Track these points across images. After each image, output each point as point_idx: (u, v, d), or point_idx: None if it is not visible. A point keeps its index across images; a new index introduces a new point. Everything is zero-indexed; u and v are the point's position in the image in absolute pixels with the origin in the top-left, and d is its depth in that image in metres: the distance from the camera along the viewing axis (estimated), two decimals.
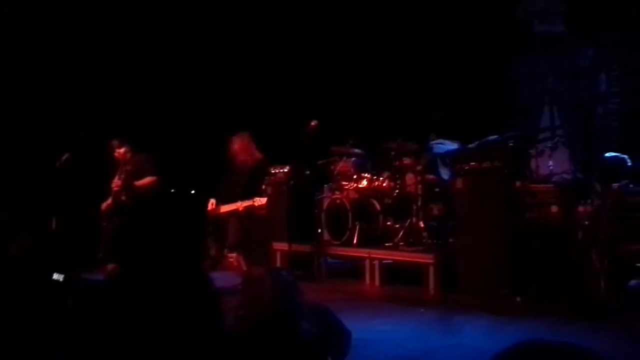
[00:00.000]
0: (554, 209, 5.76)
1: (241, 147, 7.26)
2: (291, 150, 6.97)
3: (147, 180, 6.87)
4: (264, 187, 8.44)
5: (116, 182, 6.88)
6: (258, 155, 7.26)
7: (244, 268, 7.09)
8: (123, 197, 6.82)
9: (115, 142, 6.94)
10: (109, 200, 6.94)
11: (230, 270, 7.24)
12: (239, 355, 2.15)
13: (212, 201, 7.32)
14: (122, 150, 6.90)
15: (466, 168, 6.52)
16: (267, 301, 2.14)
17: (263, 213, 8.32)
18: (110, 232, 6.78)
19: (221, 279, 7.39)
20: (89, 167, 7.34)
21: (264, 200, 6.99)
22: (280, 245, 8.01)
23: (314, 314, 3.00)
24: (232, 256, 7.42)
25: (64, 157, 6.88)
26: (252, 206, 6.93)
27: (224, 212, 7.16)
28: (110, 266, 6.39)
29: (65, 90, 8.48)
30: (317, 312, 3.19)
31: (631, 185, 6.62)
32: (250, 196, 6.93)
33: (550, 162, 7.29)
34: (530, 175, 6.56)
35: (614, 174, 6.71)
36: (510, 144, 6.46)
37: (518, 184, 6.10)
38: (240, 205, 6.98)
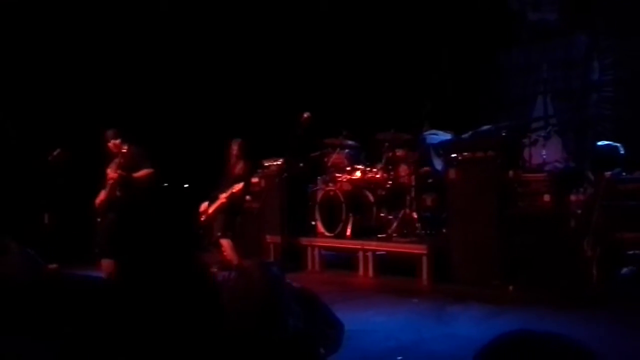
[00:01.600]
0: (546, 198, 5.77)
1: (236, 152, 7.52)
2: (284, 142, 6.96)
3: (144, 172, 6.83)
4: (257, 179, 8.47)
5: (112, 174, 6.80)
6: (244, 167, 7.51)
7: (233, 254, 7.15)
8: (118, 192, 6.76)
9: (110, 133, 6.87)
10: (102, 195, 6.87)
11: (223, 260, 7.26)
12: (226, 349, 2.14)
13: (205, 204, 7.47)
14: (117, 141, 6.85)
15: (459, 158, 6.52)
16: (254, 296, 2.13)
17: (255, 206, 8.37)
18: (105, 228, 6.74)
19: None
20: (81, 162, 7.28)
21: (240, 184, 7.30)
22: (274, 238, 8.01)
23: (305, 307, 2.99)
24: (223, 243, 7.47)
25: (56, 152, 6.82)
26: (233, 193, 7.26)
27: (212, 212, 7.38)
28: (105, 261, 6.37)
29: (57, 85, 8.43)
30: (310, 305, 3.18)
31: (624, 174, 6.63)
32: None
33: (544, 152, 7.30)
34: (524, 165, 6.57)
35: (607, 162, 6.71)
36: (503, 134, 6.46)
37: (511, 173, 6.11)
38: (222, 197, 7.30)
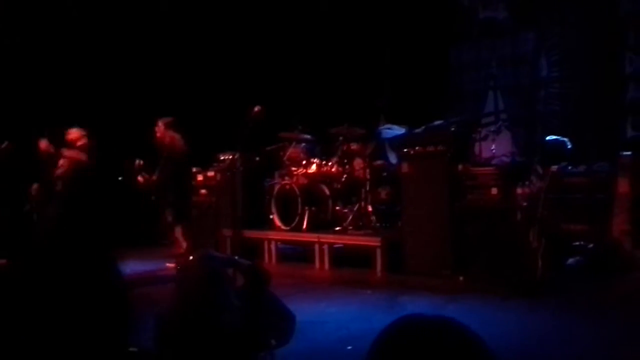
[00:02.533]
0: (494, 191, 5.93)
1: (161, 129, 7.16)
2: (236, 136, 6.94)
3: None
4: (213, 173, 8.46)
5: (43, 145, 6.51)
6: (182, 146, 7.15)
7: (183, 241, 7.11)
8: (58, 187, 6.54)
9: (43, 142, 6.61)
10: (37, 185, 6.60)
11: (178, 254, 7.23)
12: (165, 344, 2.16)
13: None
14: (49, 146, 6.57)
15: (411, 152, 6.65)
16: (189, 291, 2.16)
17: (211, 200, 8.36)
18: (45, 222, 6.55)
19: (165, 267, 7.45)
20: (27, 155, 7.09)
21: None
22: (230, 232, 8.01)
23: (250, 300, 3.03)
24: (177, 231, 7.42)
25: (3, 145, 6.64)
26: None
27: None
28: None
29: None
30: (255, 297, 3.23)
31: (570, 167, 6.87)
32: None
33: (493, 146, 7.50)
34: (474, 159, 6.74)
35: (555, 157, 6.95)
36: (453, 129, 6.61)
37: (460, 167, 6.25)
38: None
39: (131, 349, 1.97)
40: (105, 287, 1.59)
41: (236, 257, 2.53)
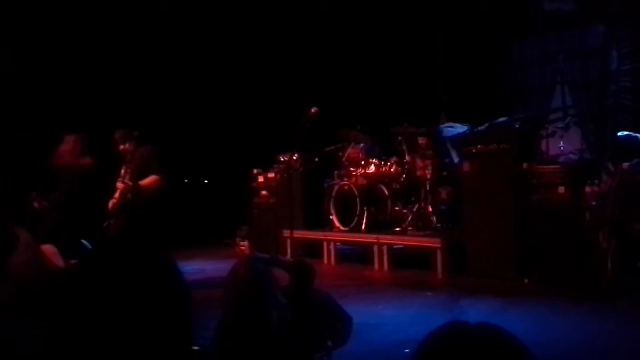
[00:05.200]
0: (561, 190, 5.69)
1: (69, 148, 6.36)
2: (293, 138, 6.90)
3: (150, 180, 6.54)
4: (273, 174, 8.51)
5: (119, 186, 6.52)
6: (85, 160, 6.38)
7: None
8: (129, 196, 6.59)
9: (118, 135, 6.70)
10: (115, 198, 6.68)
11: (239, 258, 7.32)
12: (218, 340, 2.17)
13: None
14: (126, 145, 6.64)
15: (473, 151, 6.47)
16: (239, 290, 2.17)
17: (272, 201, 8.41)
18: (117, 230, 6.63)
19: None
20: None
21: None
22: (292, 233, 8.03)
23: (296, 300, 3.00)
24: (244, 244, 7.51)
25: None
26: None
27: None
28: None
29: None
30: (303, 294, 3.20)
31: None
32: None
33: (561, 143, 7.21)
34: (540, 157, 6.49)
35: (627, 153, 6.60)
36: (517, 126, 6.38)
37: (525, 165, 6.03)
38: None
39: (195, 348, 1.99)
40: (167, 288, 1.60)
41: (279, 256, 2.54)
